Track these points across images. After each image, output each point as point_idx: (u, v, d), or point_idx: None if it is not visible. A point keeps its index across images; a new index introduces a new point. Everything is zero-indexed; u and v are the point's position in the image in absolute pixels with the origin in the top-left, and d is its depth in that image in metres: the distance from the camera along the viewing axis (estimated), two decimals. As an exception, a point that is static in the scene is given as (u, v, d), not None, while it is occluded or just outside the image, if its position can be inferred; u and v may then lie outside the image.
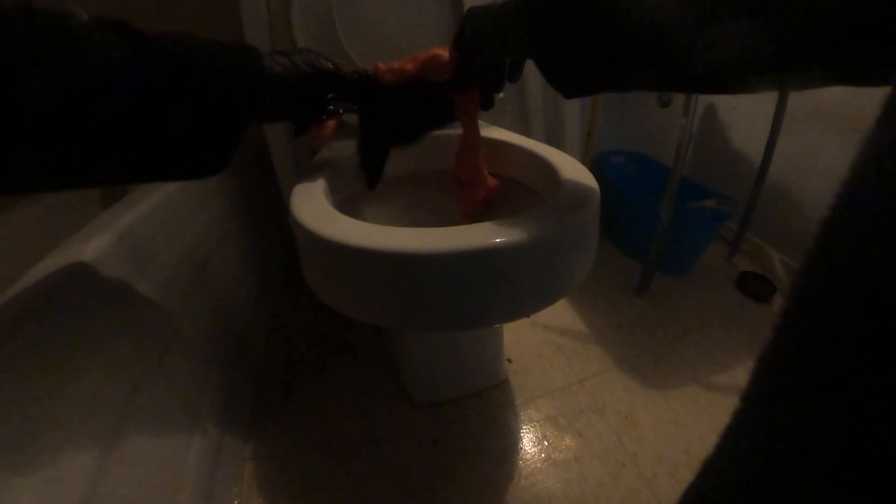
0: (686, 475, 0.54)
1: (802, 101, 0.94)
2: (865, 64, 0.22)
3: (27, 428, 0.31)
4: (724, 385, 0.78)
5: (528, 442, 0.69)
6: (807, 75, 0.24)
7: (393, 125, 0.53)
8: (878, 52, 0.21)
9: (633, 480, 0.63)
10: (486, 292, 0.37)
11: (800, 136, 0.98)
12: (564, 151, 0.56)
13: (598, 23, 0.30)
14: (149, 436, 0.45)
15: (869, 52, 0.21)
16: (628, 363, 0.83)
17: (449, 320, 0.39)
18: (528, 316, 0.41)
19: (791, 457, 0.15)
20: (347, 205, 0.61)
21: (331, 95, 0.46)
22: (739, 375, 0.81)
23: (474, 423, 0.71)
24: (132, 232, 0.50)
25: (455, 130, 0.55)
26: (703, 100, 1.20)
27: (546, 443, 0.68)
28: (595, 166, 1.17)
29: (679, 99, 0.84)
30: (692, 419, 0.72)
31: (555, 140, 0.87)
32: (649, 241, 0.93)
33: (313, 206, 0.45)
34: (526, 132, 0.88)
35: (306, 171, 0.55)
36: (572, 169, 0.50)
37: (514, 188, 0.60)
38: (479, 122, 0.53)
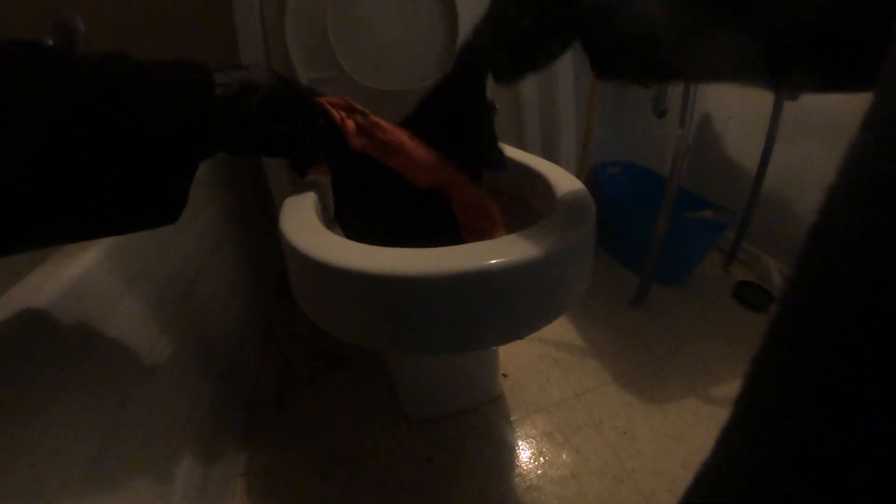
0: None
1: (797, 110, 0.95)
2: (841, 69, 0.23)
3: (11, 441, 0.31)
4: (724, 397, 0.78)
5: (525, 458, 0.68)
6: (786, 80, 0.26)
7: (372, 200, 0.47)
8: (852, 60, 0.21)
9: (632, 497, 0.62)
10: (479, 315, 0.37)
11: (795, 146, 0.98)
12: (560, 163, 0.55)
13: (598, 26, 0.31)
14: (138, 450, 0.45)
15: (845, 59, 0.22)
16: (626, 377, 0.82)
17: (439, 344, 0.38)
18: (522, 338, 0.40)
19: (784, 463, 0.15)
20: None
21: (289, 128, 0.40)
22: (738, 387, 0.81)
23: (469, 439, 0.70)
24: (122, 246, 0.49)
25: None
26: (699, 110, 1.21)
27: (542, 459, 0.67)
28: (591, 178, 1.17)
29: (675, 110, 0.83)
30: (691, 433, 0.71)
31: (550, 152, 0.87)
32: (646, 252, 0.93)
33: (302, 222, 0.44)
34: (521, 144, 0.88)
35: (299, 183, 0.55)
36: (568, 185, 0.50)
37: (510, 203, 0.60)
38: None
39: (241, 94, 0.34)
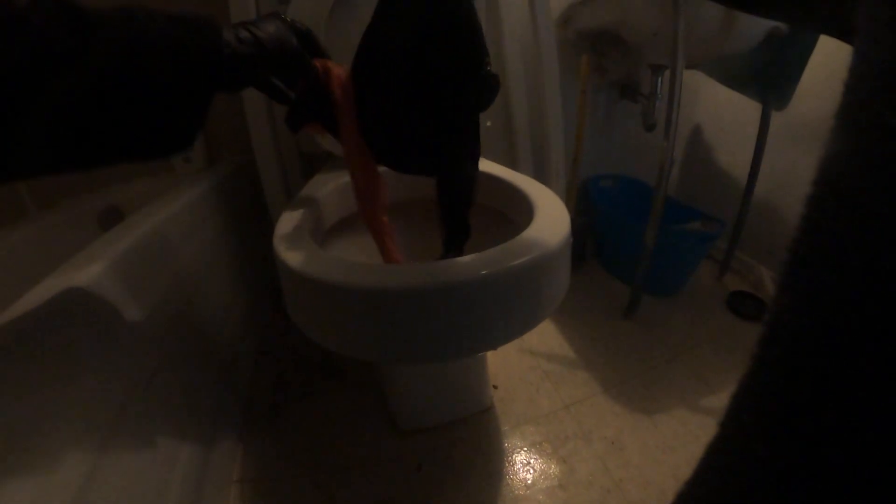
0: None
1: (785, 120, 0.96)
2: None
3: (11, 443, 0.32)
4: (715, 408, 0.78)
5: (513, 469, 0.68)
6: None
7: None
8: None
9: (619, 508, 0.63)
10: (460, 325, 0.38)
11: (784, 154, 1.00)
12: (550, 177, 0.57)
13: None
14: (134, 456, 0.46)
15: None
16: (616, 388, 0.83)
17: (424, 354, 0.40)
18: (496, 349, 0.42)
19: (767, 486, 0.15)
20: (335, 232, 0.62)
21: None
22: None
23: (459, 450, 0.71)
24: (125, 259, 0.52)
25: None
26: (690, 121, 1.23)
27: (531, 470, 0.68)
28: (583, 191, 1.19)
29: (663, 122, 0.86)
30: (680, 444, 0.72)
31: (541, 167, 0.89)
32: (636, 263, 0.94)
33: (293, 239, 0.46)
34: (512, 159, 0.90)
35: (295, 197, 0.57)
36: (546, 199, 0.52)
37: (492, 217, 0.62)
38: None
39: (247, 56, 0.37)
